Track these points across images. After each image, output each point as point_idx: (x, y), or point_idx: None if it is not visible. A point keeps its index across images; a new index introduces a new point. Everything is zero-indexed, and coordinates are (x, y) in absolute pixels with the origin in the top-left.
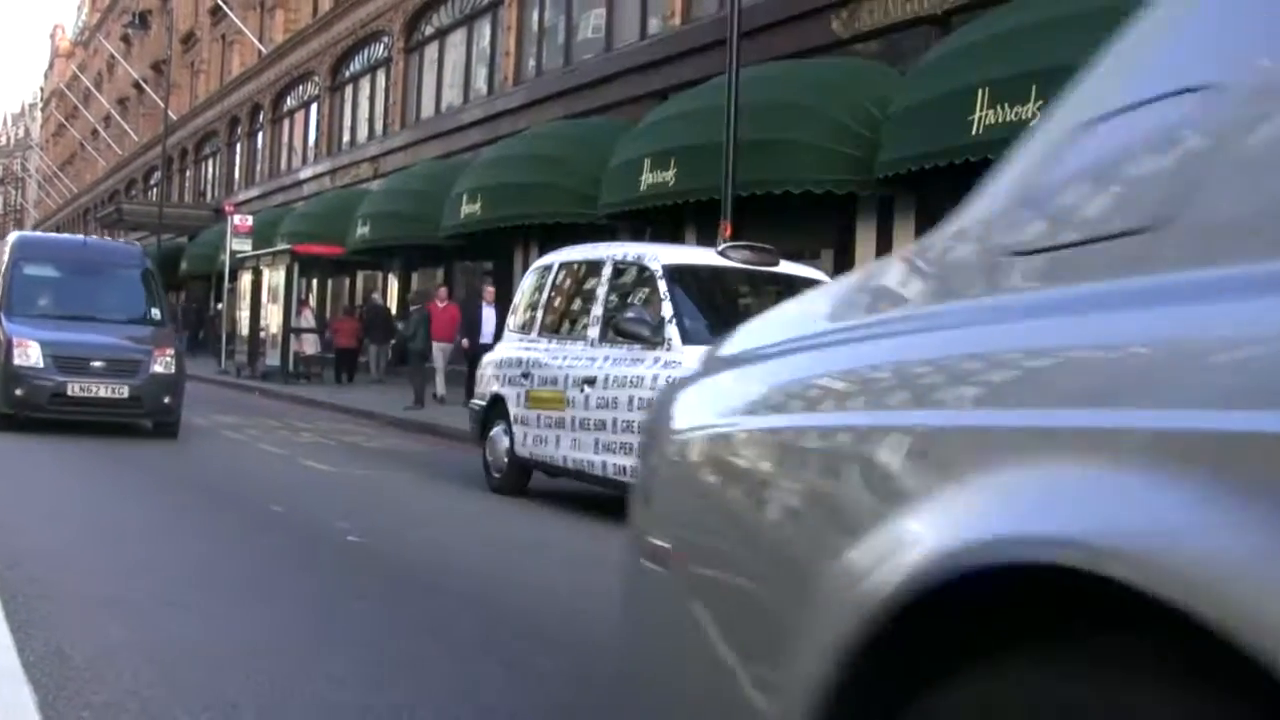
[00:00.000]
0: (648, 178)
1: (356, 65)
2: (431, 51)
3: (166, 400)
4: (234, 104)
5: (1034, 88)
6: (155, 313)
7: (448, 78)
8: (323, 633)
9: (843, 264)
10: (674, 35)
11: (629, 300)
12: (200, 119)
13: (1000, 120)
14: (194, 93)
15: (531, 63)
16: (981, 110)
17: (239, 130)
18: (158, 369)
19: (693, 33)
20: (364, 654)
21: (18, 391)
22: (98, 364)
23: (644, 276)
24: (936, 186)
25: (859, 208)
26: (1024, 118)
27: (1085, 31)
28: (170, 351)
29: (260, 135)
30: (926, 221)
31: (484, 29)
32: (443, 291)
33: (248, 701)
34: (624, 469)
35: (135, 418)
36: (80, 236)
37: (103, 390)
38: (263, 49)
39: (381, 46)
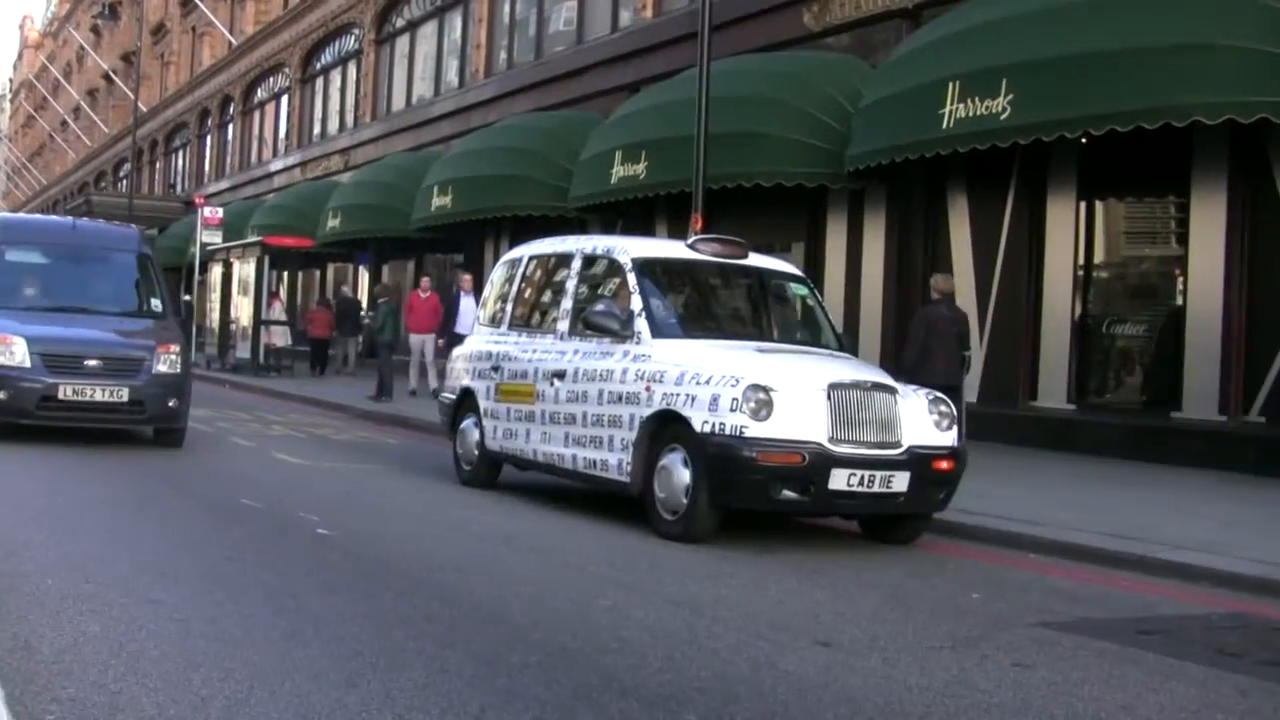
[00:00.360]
0: (619, 170)
1: (327, 57)
2: (402, 44)
3: (172, 404)
4: (204, 96)
5: (1004, 82)
6: (156, 303)
7: (419, 70)
8: (293, 627)
9: (814, 256)
10: (645, 28)
11: (599, 293)
12: (170, 111)
13: (970, 114)
14: (164, 84)
15: (503, 55)
16: (952, 104)
17: (209, 122)
18: (161, 368)
19: (664, 25)
20: (334, 648)
21: (1, 395)
22: (93, 363)
23: (613, 269)
24: (907, 179)
25: (829, 200)
26: (994, 111)
27: (1054, 26)
28: (174, 348)
29: (231, 127)
30: (897, 214)
31: (455, 21)
32: (425, 281)
33: (217, 695)
34: (594, 462)
35: (136, 423)
36: (68, 219)
37: (99, 393)
38: (233, 40)
39: (352, 38)
